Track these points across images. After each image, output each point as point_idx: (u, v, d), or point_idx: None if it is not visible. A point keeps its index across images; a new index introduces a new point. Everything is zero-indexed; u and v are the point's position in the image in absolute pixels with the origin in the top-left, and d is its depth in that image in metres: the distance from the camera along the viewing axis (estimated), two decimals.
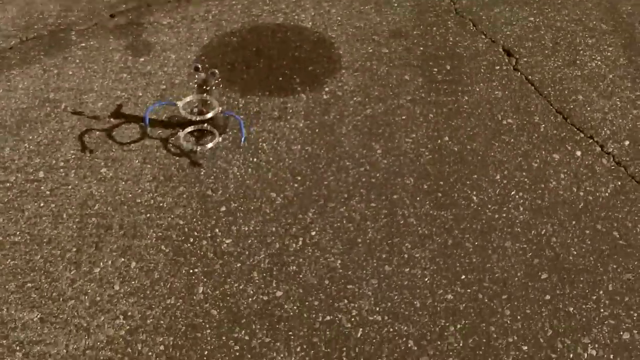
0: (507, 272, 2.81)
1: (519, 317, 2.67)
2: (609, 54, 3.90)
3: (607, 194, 3.11)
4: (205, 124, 3.24)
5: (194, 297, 2.66)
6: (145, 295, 2.65)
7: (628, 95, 3.61)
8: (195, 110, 3.24)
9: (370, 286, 2.74)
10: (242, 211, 2.96)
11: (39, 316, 2.56)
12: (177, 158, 3.17)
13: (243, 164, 3.15)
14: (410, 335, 2.60)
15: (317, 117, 3.42)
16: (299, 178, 3.11)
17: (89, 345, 2.50)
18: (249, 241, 2.86)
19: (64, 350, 2.48)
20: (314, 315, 2.64)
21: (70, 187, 2.99)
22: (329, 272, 2.78)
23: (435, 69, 3.76)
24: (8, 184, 2.97)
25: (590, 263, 2.84)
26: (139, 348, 2.50)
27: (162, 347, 2.51)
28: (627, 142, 3.34)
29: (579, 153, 3.32)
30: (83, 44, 3.82)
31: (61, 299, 2.61)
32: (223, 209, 2.96)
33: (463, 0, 4.31)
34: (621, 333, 2.61)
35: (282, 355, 2.52)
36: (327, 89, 3.59)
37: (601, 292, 2.74)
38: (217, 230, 2.88)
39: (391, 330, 2.61)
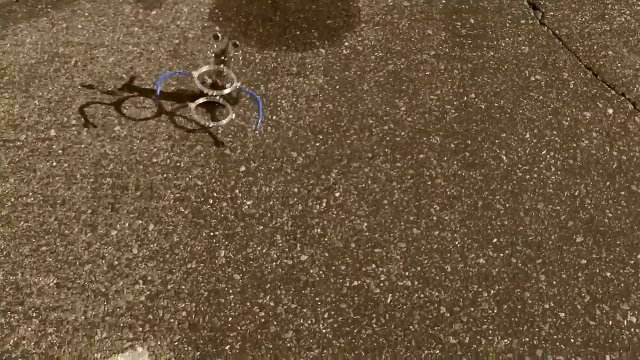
0: (541, 235, 2.69)
1: (554, 283, 2.56)
2: (639, 8, 3.72)
3: None
4: (218, 97, 3.04)
5: (216, 262, 2.54)
6: (165, 260, 2.53)
7: None
8: (210, 81, 3.04)
9: (398, 250, 2.62)
10: (262, 171, 2.83)
11: (55, 281, 2.44)
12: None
13: (262, 122, 3.00)
14: (443, 301, 2.49)
15: (338, 74, 3.28)
16: (321, 137, 2.98)
17: (108, 311, 2.39)
18: (271, 203, 2.73)
19: (83, 317, 2.36)
20: (341, 281, 2.52)
21: (83, 146, 2.85)
22: (355, 235, 2.66)
23: (459, 23, 3.60)
24: (19, 143, 2.83)
25: (626, 226, 2.73)
26: (161, 315, 2.39)
27: (184, 314, 2.40)
28: None
29: (610, 111, 3.18)
30: None
31: (78, 264, 2.49)
32: (243, 169, 2.83)
33: None
34: None
35: (309, 322, 2.41)
36: (346, 44, 3.44)
37: (639, 257, 2.62)
38: (237, 191, 2.75)
39: (422, 296, 2.50)
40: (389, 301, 2.48)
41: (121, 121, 2.96)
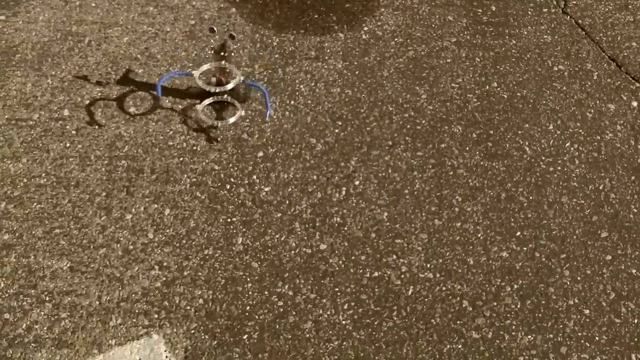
0: (565, 229, 2.63)
1: (579, 278, 2.50)
2: None
3: None
4: (225, 95, 2.91)
5: (233, 248, 2.48)
6: (181, 245, 2.46)
7: None
8: (214, 80, 2.92)
9: (419, 241, 2.56)
10: (280, 157, 2.76)
11: (68, 265, 2.38)
12: None
13: (280, 107, 2.94)
14: (465, 294, 2.43)
15: (357, 58, 3.20)
16: (340, 123, 2.91)
17: (123, 297, 2.32)
18: (289, 189, 2.66)
19: (97, 302, 2.30)
20: (361, 271, 2.46)
21: (97, 126, 2.78)
22: (375, 224, 2.59)
23: (480, 10, 3.53)
24: (31, 122, 2.76)
25: None
26: (177, 301, 2.33)
27: (200, 301, 2.34)
28: None
29: (635, 104, 3.12)
30: None
31: (92, 247, 2.43)
32: (260, 154, 2.76)
33: None
34: None
35: (328, 313, 2.35)
36: (365, 29, 3.37)
37: None
38: (254, 177, 2.68)
39: (444, 289, 2.44)
40: (409, 293, 2.42)
41: (136, 102, 2.88)
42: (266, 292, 2.39)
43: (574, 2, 3.64)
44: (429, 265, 2.50)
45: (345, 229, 2.58)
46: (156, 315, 2.29)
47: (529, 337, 2.35)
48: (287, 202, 2.63)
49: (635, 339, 2.37)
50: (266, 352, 2.24)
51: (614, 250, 2.59)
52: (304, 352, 2.25)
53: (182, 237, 2.49)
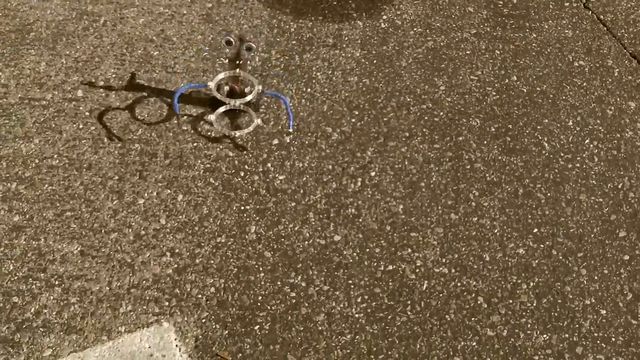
0: (583, 227, 2.59)
1: (596, 278, 2.46)
2: None
3: None
4: (238, 103, 2.75)
5: (246, 237, 2.44)
6: (194, 232, 2.42)
7: None
8: (226, 88, 2.80)
9: (435, 235, 2.52)
10: (295, 145, 2.72)
11: (79, 249, 2.34)
12: None
13: (296, 94, 2.89)
14: (480, 291, 2.39)
15: (375, 47, 3.15)
16: (357, 112, 2.86)
17: (133, 283, 2.29)
18: (304, 179, 2.62)
19: (107, 288, 2.27)
20: (375, 264, 2.42)
21: (110, 108, 2.72)
22: (390, 217, 2.55)
23: (501, 2, 3.48)
24: (44, 102, 2.72)
25: None
26: (188, 289, 2.29)
27: (212, 290, 2.30)
28: None
29: None
30: None
31: (103, 231, 2.39)
32: (275, 142, 2.72)
33: None
34: None
35: (341, 306, 2.31)
36: (384, 17, 3.31)
37: None
38: (269, 164, 2.64)
39: (459, 284, 2.40)
40: (424, 288, 2.39)
41: (150, 85, 2.83)
42: (279, 283, 2.35)
43: None
44: (444, 260, 2.46)
45: (360, 220, 2.54)
46: (167, 303, 2.26)
47: (545, 336, 2.31)
48: (302, 191, 2.59)
49: None
50: (277, 344, 2.21)
51: (632, 250, 2.54)
52: (316, 345, 2.22)
53: (195, 223, 2.45)
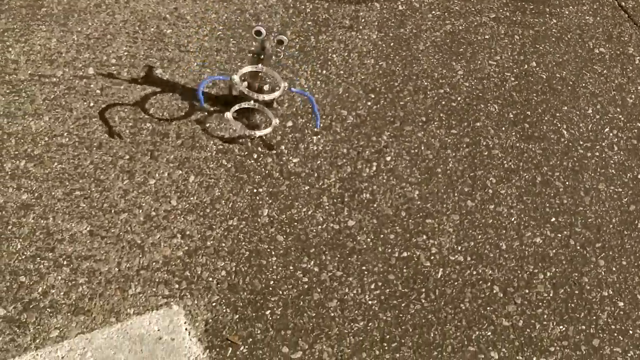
0: (601, 217, 2.54)
1: (614, 269, 2.41)
2: None
3: None
4: (252, 102, 2.60)
5: (259, 220, 2.39)
6: (205, 214, 2.38)
7: None
8: (245, 84, 2.60)
9: (451, 222, 2.47)
10: (310, 128, 2.67)
11: (88, 228, 2.29)
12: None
13: (311, 76, 2.84)
14: (496, 280, 2.34)
15: (392, 30, 3.09)
16: (373, 96, 2.81)
17: (143, 264, 2.24)
18: (318, 162, 2.57)
19: (116, 269, 2.22)
20: (389, 250, 2.37)
21: (122, 87, 2.68)
22: (405, 202, 2.50)
23: None
24: (55, 79, 2.67)
25: None
26: (199, 272, 2.24)
27: (223, 273, 2.25)
28: None
29: None
30: None
31: (113, 211, 2.34)
32: (289, 124, 2.67)
33: None
34: None
35: (354, 292, 2.26)
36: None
37: None
38: (282, 147, 2.59)
39: (474, 273, 2.35)
40: (439, 276, 2.34)
41: (163, 64, 2.78)
42: (291, 267, 2.30)
43: None
44: (459, 248, 2.41)
45: (375, 205, 2.49)
46: (177, 286, 2.21)
47: (561, 327, 2.27)
48: (316, 175, 2.54)
49: None
50: (289, 329, 2.17)
51: None
52: (328, 332, 2.17)
53: (207, 205, 2.41)
